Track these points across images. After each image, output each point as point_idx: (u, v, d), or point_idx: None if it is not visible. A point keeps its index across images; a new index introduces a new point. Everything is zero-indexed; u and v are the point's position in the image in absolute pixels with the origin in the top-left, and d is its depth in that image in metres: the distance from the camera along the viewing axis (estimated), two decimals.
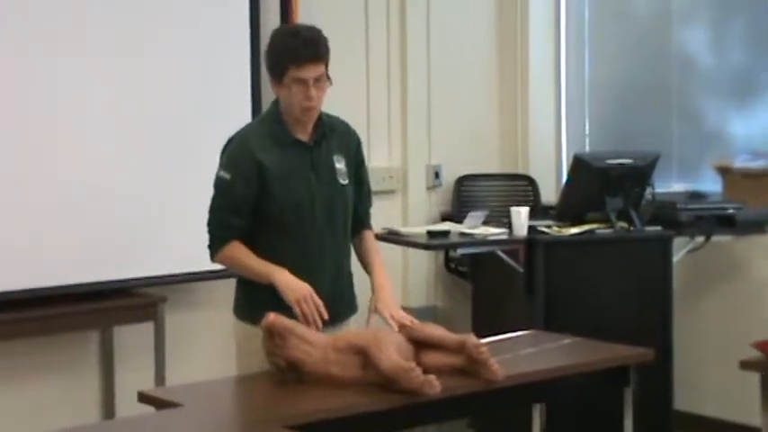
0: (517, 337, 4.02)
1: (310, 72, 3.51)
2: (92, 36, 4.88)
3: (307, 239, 3.59)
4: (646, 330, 5.08)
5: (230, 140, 3.66)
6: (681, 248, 5.43)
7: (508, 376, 3.39)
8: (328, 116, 3.71)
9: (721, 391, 5.59)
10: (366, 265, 3.78)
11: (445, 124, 6.33)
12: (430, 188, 6.31)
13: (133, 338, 5.21)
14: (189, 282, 5.26)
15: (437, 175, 6.31)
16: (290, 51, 3.52)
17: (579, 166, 5.30)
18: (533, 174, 6.40)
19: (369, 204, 3.84)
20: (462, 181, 6.28)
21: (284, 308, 3.46)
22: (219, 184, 3.61)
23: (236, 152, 3.61)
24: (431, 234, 5.14)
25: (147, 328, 5.07)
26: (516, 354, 3.72)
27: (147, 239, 5.04)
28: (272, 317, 3.26)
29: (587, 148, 6.45)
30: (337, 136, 3.71)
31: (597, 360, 3.76)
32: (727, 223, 5.34)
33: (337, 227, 3.67)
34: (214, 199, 3.63)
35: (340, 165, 3.67)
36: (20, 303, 4.72)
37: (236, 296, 3.74)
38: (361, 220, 3.79)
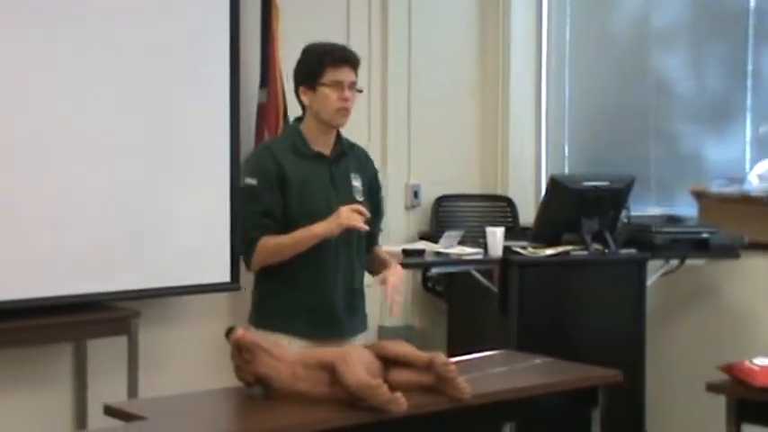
0: (488, 356, 4.03)
1: (347, 75, 3.62)
2: (63, 54, 4.83)
3: (322, 253, 3.62)
4: (618, 352, 5.08)
5: (250, 155, 3.74)
6: (655, 271, 5.45)
7: (476, 395, 3.39)
8: (347, 140, 3.79)
9: (692, 414, 5.58)
10: (378, 264, 3.85)
11: (425, 144, 6.34)
12: (408, 207, 6.33)
13: (107, 352, 5.20)
14: (163, 296, 5.26)
15: (416, 194, 6.32)
16: (329, 54, 3.64)
17: (555, 187, 5.32)
18: (512, 195, 6.42)
19: (380, 227, 3.97)
20: (441, 201, 6.30)
21: (300, 309, 3.59)
22: (247, 191, 3.63)
23: (260, 159, 3.66)
24: (405, 253, 5.15)
25: (120, 342, 5.07)
26: (486, 373, 3.72)
27: (122, 253, 5.01)
28: (240, 331, 3.26)
29: (566, 170, 6.48)
30: (355, 157, 3.79)
31: (565, 380, 3.77)
32: (701, 247, 5.38)
33: (352, 243, 3.72)
34: (243, 208, 3.66)
35: (357, 182, 3.74)
36: None
37: (255, 306, 3.77)
38: (374, 239, 3.90)
